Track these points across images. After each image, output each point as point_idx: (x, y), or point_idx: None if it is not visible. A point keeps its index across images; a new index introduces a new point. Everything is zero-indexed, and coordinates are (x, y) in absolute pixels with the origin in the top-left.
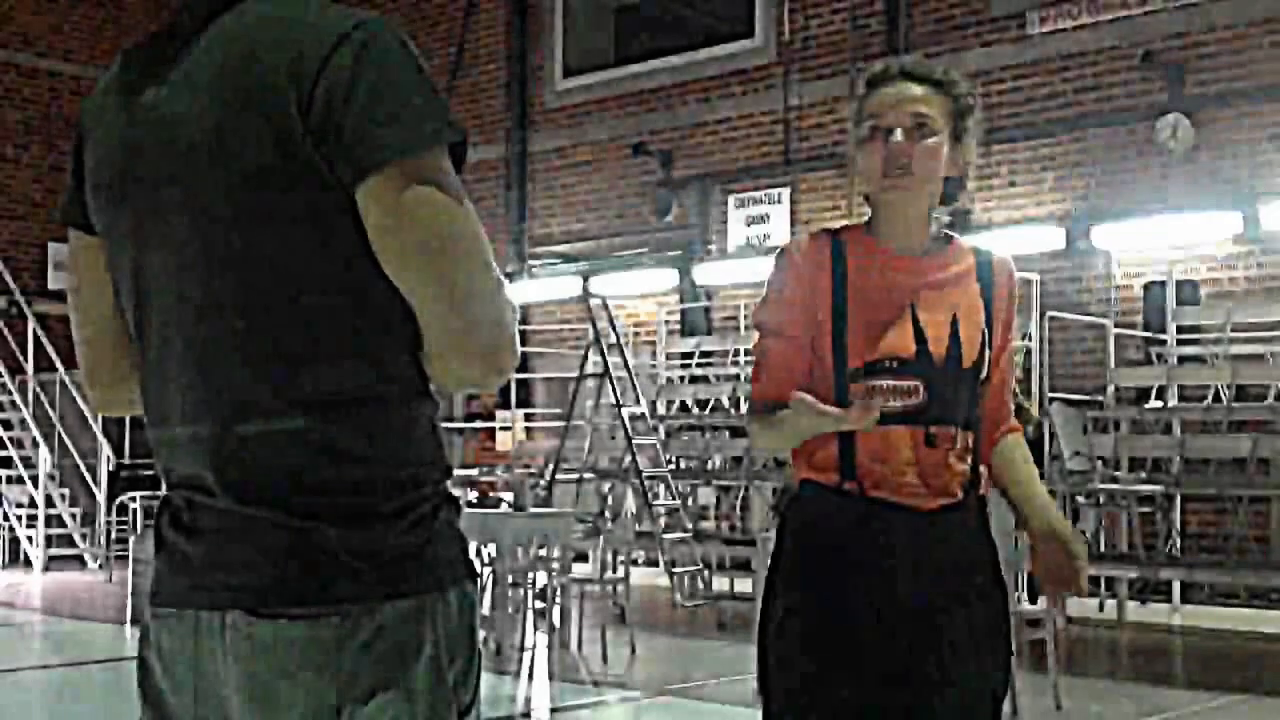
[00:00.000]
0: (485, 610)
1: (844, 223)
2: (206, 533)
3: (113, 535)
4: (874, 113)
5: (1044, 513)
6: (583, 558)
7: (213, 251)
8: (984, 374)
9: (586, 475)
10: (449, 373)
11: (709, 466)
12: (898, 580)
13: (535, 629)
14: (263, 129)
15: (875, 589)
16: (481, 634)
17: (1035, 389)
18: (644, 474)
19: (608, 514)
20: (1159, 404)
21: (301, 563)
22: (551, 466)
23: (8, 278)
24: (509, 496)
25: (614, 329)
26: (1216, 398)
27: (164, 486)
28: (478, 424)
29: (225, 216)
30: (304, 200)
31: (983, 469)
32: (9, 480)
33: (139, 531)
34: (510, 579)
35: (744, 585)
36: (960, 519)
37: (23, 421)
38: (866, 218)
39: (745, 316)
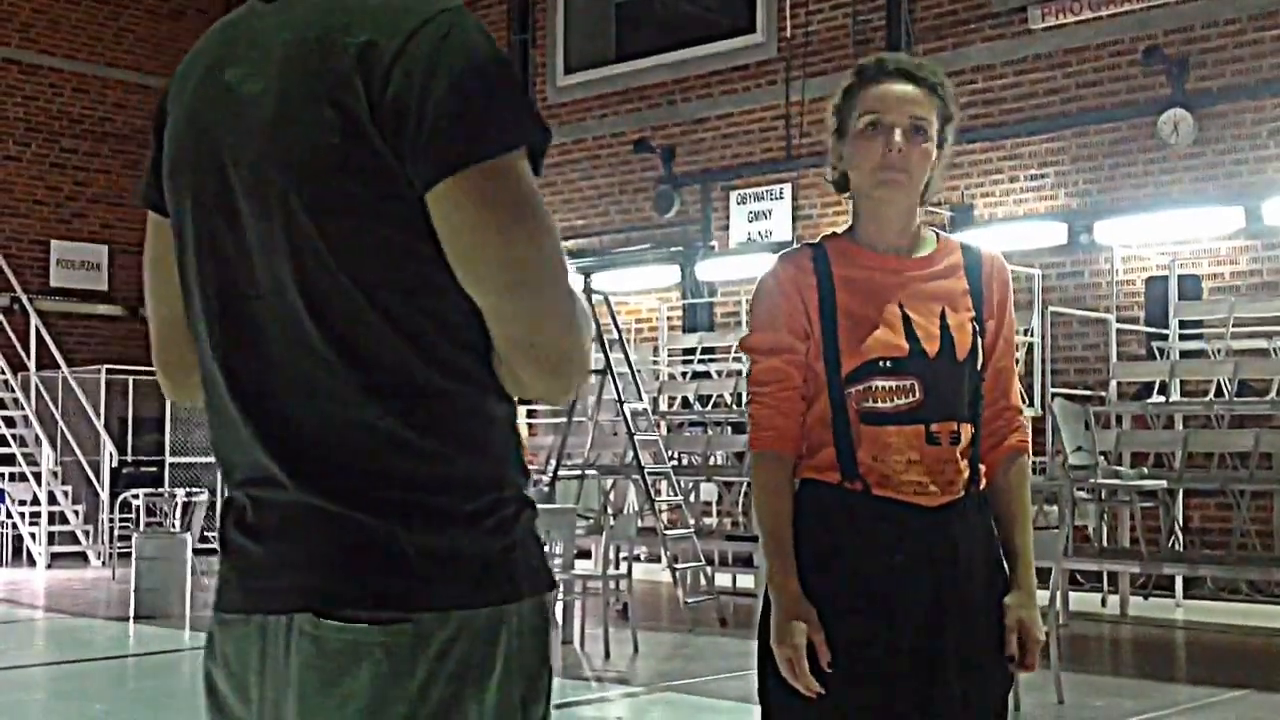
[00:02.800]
0: None
1: (825, 233)
2: (272, 531)
3: (115, 532)
4: (874, 109)
5: (1020, 603)
6: (585, 554)
7: (278, 237)
8: (980, 366)
9: (588, 472)
10: (517, 383)
11: (711, 462)
12: (904, 579)
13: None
14: (331, 117)
15: (881, 589)
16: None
17: (1037, 384)
18: (646, 470)
19: (610, 510)
20: (1161, 399)
21: (374, 563)
22: (553, 463)
23: (10, 275)
24: None
25: (616, 325)
26: (1219, 392)
27: (227, 487)
28: None
29: (291, 203)
30: (371, 192)
31: (981, 465)
32: (12, 477)
33: (142, 528)
34: None
35: (746, 581)
36: (962, 515)
37: (25, 419)
38: (847, 225)
39: (747, 312)
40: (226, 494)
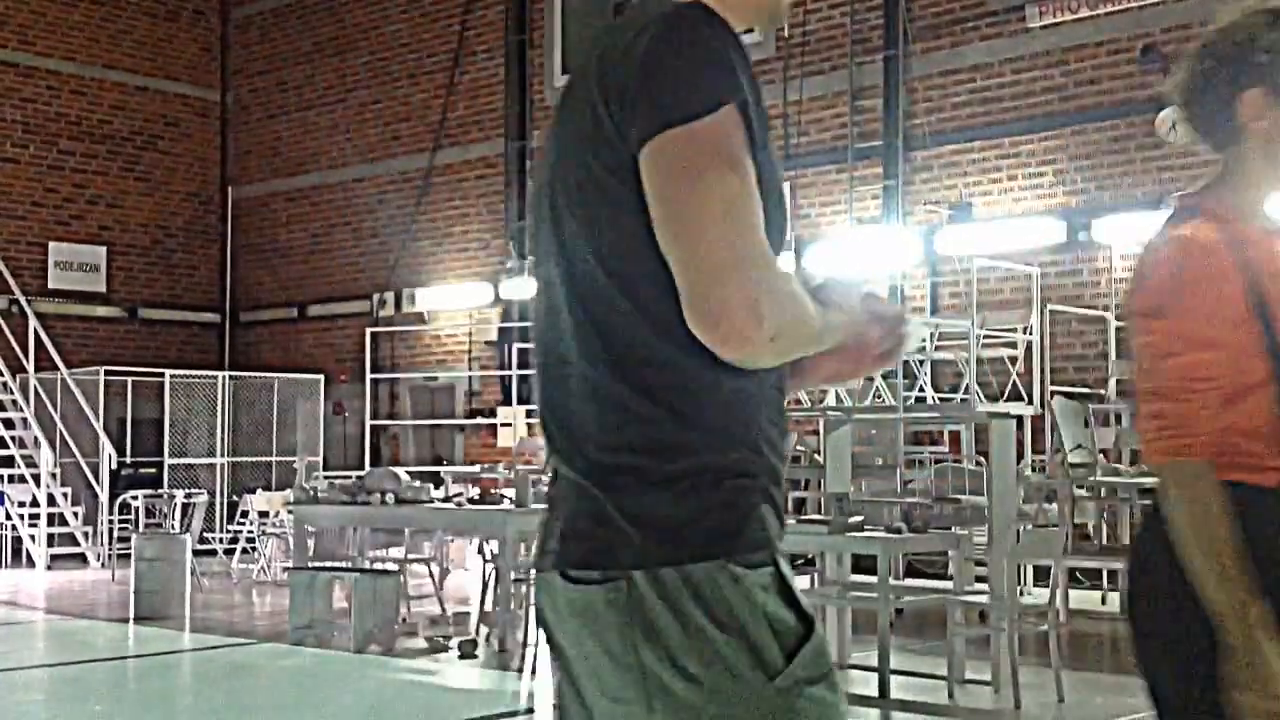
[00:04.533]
0: (488, 606)
1: (1193, 191)
2: (551, 491)
3: (115, 534)
4: None
5: None
6: None
7: (550, 218)
8: None
9: None
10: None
11: None
12: None
13: (538, 625)
14: (583, 110)
15: None
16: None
17: (1036, 382)
18: None
19: None
20: None
21: (589, 525)
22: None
23: (8, 277)
24: (511, 493)
25: None
26: None
27: None
28: (479, 420)
29: (556, 185)
30: (608, 172)
31: None
32: (11, 479)
33: (141, 530)
34: (513, 575)
35: None
36: None
37: (24, 421)
38: (1204, 183)
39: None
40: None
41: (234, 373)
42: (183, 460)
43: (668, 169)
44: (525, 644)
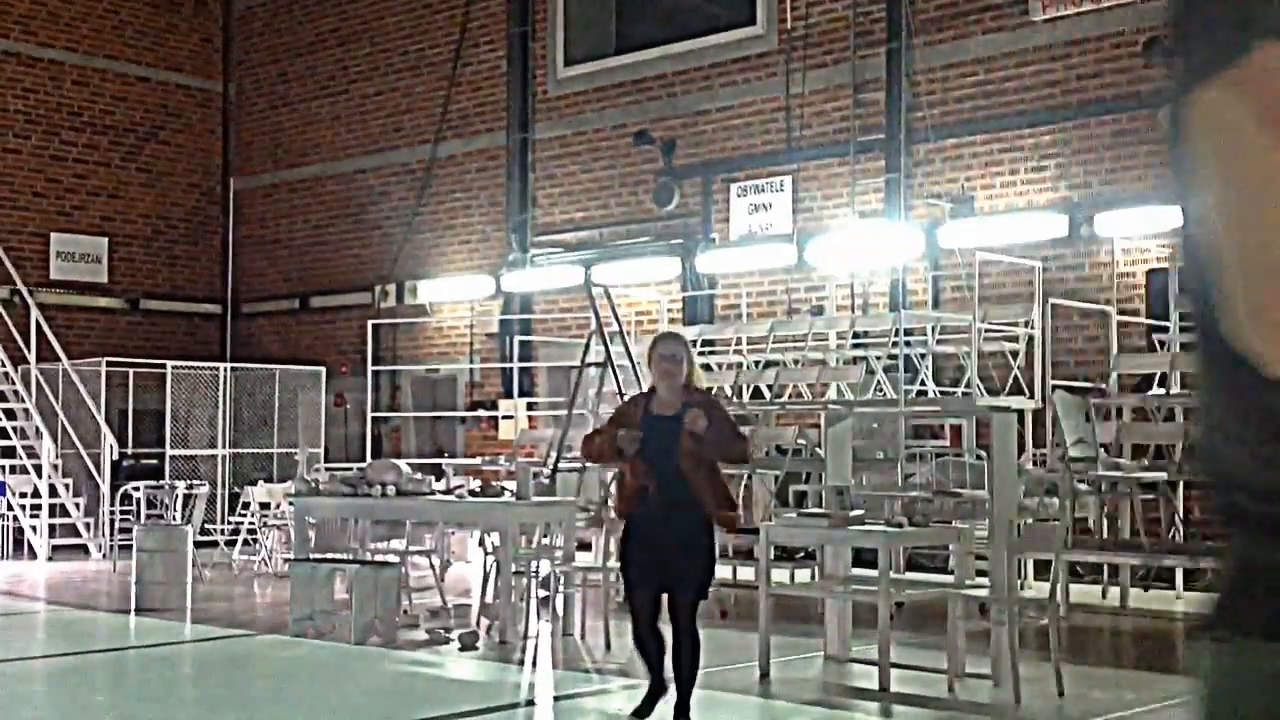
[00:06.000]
0: (489, 598)
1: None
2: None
3: (116, 525)
4: None
5: None
6: (585, 546)
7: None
8: None
9: (589, 464)
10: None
11: None
12: None
13: (538, 617)
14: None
15: None
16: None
17: (1038, 376)
18: None
19: (610, 503)
20: (1161, 391)
21: (1236, 574)
22: (554, 455)
23: (10, 268)
24: (512, 485)
25: (616, 318)
26: None
27: None
28: (480, 413)
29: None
30: (1189, 125)
31: None
32: (13, 470)
33: (142, 521)
34: (513, 567)
35: (746, 573)
36: None
37: (26, 411)
38: None
39: (748, 305)
40: None
41: (235, 364)
42: (184, 451)
43: (1207, 131)
44: (525, 636)
